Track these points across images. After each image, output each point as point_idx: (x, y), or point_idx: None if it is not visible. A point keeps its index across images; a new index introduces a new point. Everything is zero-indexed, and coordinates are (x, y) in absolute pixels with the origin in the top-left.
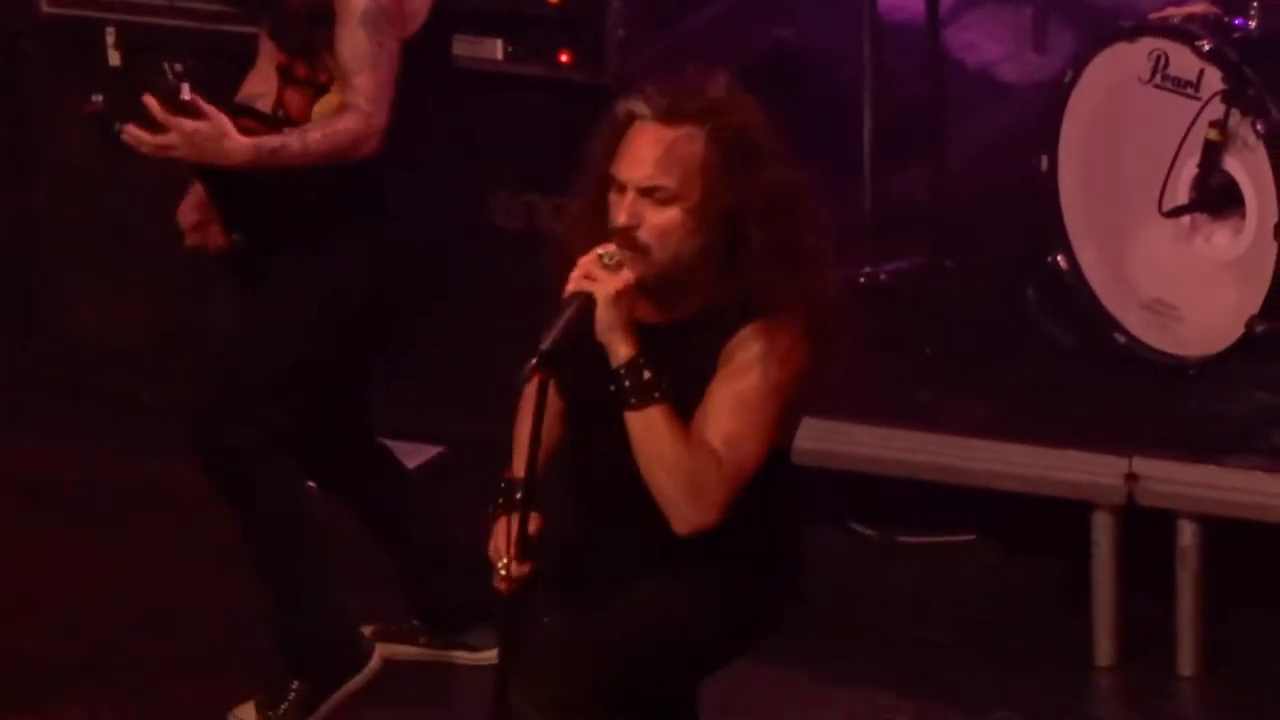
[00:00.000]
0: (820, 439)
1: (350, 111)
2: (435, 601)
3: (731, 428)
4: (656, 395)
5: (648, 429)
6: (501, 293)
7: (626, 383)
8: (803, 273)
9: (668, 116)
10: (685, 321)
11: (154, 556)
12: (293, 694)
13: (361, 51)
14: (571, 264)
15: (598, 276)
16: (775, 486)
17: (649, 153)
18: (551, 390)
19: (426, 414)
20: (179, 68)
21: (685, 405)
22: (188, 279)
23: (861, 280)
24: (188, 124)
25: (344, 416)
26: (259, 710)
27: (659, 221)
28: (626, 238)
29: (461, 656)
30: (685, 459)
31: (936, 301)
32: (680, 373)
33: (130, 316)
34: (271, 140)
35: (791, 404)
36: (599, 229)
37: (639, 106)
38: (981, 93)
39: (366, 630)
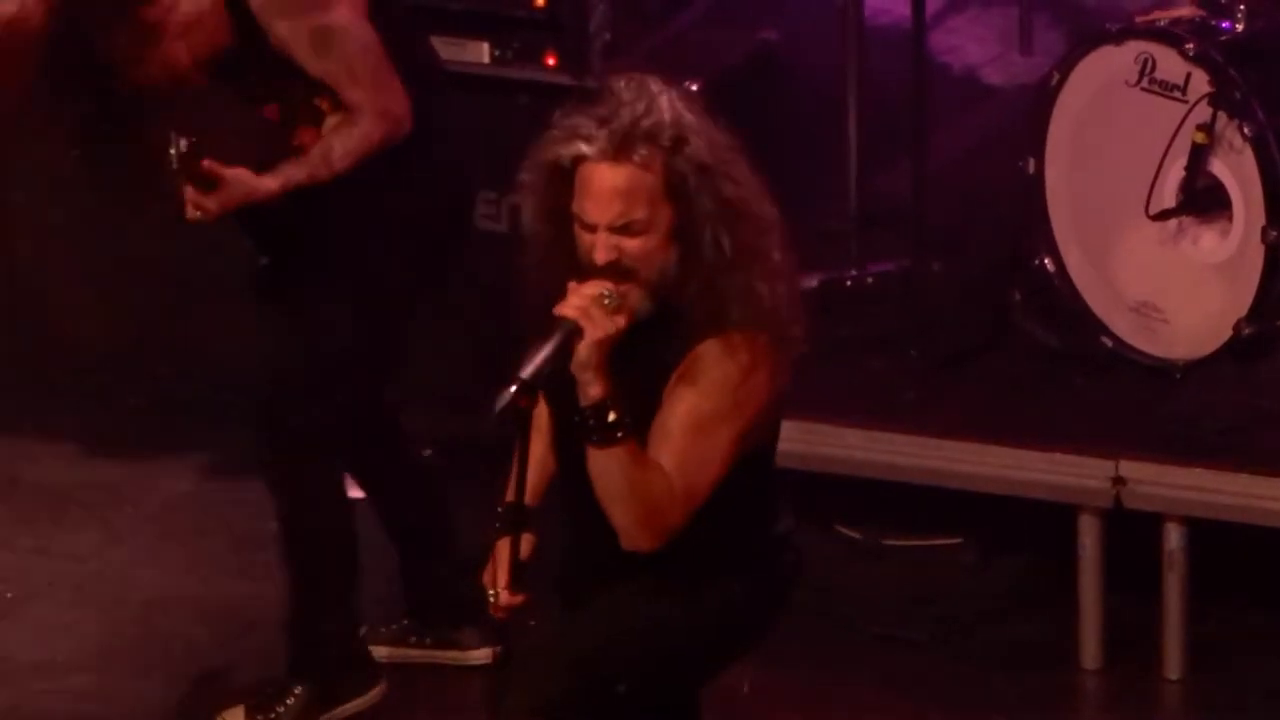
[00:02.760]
0: (805, 441)
1: (360, 117)
2: (431, 592)
3: (687, 450)
4: (619, 435)
5: (606, 467)
6: (486, 294)
7: (591, 421)
8: (768, 280)
9: (617, 154)
10: (642, 322)
11: (140, 557)
12: (292, 698)
13: (332, 75)
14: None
15: (593, 316)
16: (759, 494)
17: (610, 191)
18: (543, 410)
19: (412, 416)
20: (183, 143)
21: (633, 402)
22: (172, 280)
23: (847, 282)
24: (212, 201)
25: (370, 403)
26: (248, 714)
27: (637, 247)
28: (613, 272)
29: (452, 657)
30: (641, 494)
31: (921, 303)
32: (632, 372)
33: (114, 318)
34: (297, 175)
35: (755, 421)
36: (566, 263)
37: (583, 149)
38: (967, 95)
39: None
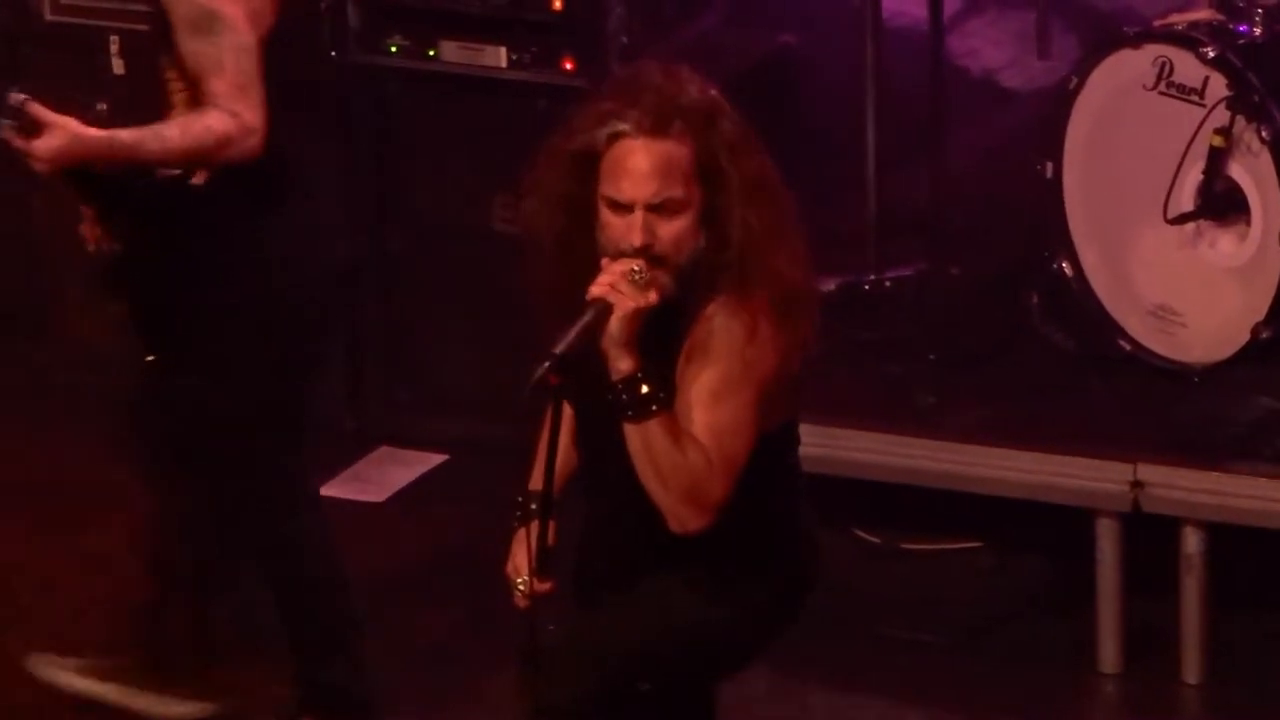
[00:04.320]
0: (822, 445)
1: (211, 109)
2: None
3: (713, 420)
4: (654, 409)
5: (645, 442)
6: (504, 298)
7: (625, 396)
8: (789, 261)
9: (655, 128)
10: (664, 305)
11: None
12: None
13: (201, 58)
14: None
15: (623, 290)
16: (782, 487)
17: (648, 168)
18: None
19: (429, 420)
20: (20, 96)
21: (663, 382)
22: None
23: (864, 286)
24: (41, 145)
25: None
26: None
27: (671, 232)
28: (645, 256)
29: None
30: (681, 466)
31: (940, 307)
32: (655, 354)
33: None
34: (124, 135)
35: (771, 381)
36: (584, 259)
37: (620, 126)
38: (985, 99)
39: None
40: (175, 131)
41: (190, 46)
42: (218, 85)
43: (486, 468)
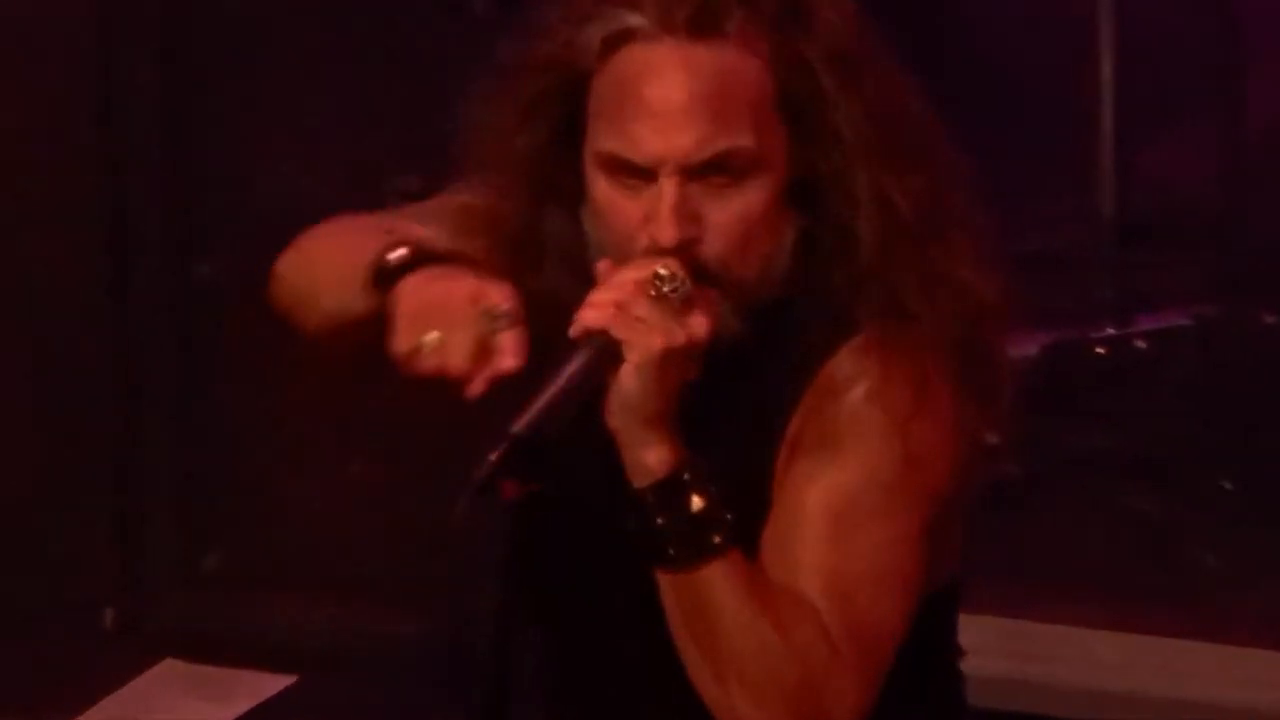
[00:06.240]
0: (1013, 652)
1: None
2: None
3: (840, 563)
4: (716, 542)
5: (699, 608)
6: (403, 411)
7: (658, 519)
8: (952, 250)
9: (694, 24)
10: (725, 358)
11: None
12: None
13: None
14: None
15: (641, 315)
16: (938, 679)
17: (684, 95)
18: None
19: (264, 608)
20: None
21: (730, 492)
22: None
23: (1097, 349)
24: None
25: None
26: None
27: (729, 217)
28: (683, 262)
29: None
30: (774, 651)
31: (1240, 386)
32: (718, 434)
33: None
34: None
35: (945, 495)
36: (563, 260)
37: (630, 19)
38: None
39: None
40: None
41: None
42: None
43: (368, 700)
